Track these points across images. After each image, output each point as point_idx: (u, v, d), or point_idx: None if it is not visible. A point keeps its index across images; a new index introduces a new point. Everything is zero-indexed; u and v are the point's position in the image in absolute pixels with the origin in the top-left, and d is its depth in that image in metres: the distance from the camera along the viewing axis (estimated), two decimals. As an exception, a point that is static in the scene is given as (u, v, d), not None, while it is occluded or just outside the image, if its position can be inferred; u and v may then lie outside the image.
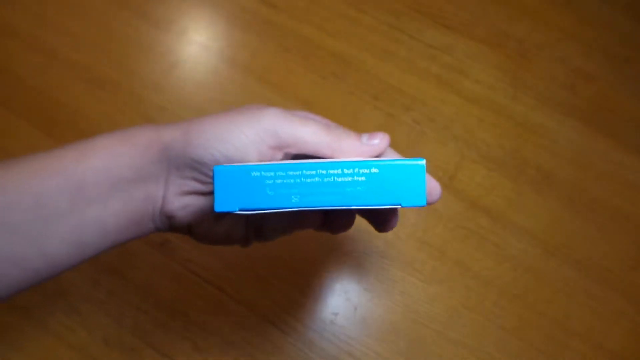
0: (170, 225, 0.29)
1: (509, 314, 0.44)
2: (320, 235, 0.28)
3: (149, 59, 0.52)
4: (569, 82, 0.52)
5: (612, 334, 0.44)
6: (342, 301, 0.44)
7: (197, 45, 0.53)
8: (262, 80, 0.51)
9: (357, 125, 0.50)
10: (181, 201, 0.28)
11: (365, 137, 0.28)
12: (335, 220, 0.30)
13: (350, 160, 0.23)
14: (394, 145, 0.51)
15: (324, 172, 0.22)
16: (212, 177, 0.23)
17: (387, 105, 0.51)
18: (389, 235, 0.46)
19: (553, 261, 0.46)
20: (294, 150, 0.27)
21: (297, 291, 0.44)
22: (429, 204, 0.26)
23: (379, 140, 0.28)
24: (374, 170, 0.22)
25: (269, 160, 0.26)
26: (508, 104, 0.51)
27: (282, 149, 0.26)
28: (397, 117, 0.50)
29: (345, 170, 0.22)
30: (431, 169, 0.48)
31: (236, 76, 0.51)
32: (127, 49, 0.52)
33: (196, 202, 0.28)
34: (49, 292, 0.43)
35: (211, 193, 0.28)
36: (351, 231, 0.45)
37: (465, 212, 0.47)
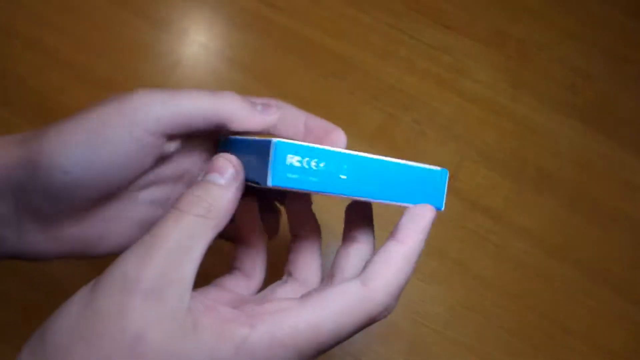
0: (28, 257, 0.23)
1: (509, 314, 0.44)
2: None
3: (149, 59, 0.52)
4: (569, 82, 0.52)
5: (612, 334, 0.44)
6: (342, 301, 0.44)
7: (197, 45, 0.53)
8: (262, 80, 0.51)
9: (357, 125, 0.50)
10: (48, 236, 0.23)
11: (259, 107, 0.24)
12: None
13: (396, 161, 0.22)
14: (394, 144, 0.51)
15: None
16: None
17: (387, 105, 0.51)
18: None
19: (553, 261, 0.46)
20: (178, 128, 0.22)
21: (297, 291, 0.44)
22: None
23: (273, 114, 0.24)
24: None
25: (159, 153, 0.23)
26: (508, 104, 0.51)
27: (161, 134, 0.22)
28: (397, 117, 0.50)
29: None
30: (431, 169, 0.49)
31: (236, 76, 0.51)
32: (128, 49, 0.52)
33: (73, 232, 0.23)
34: (48, 292, 0.43)
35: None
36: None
37: (465, 212, 0.47)
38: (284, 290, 0.23)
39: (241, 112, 0.23)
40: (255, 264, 0.26)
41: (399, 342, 0.43)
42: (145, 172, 0.23)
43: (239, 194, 0.21)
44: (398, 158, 0.23)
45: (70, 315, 0.19)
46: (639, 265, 0.46)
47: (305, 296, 0.20)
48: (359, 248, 0.23)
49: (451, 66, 0.53)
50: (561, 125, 0.51)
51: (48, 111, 0.49)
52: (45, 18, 0.53)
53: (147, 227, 0.23)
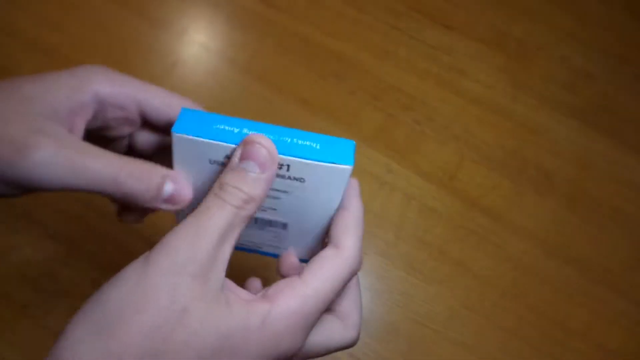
0: None
1: (509, 314, 0.44)
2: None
3: (149, 59, 0.52)
4: (569, 82, 0.52)
5: (612, 334, 0.44)
6: (342, 301, 0.44)
7: (197, 45, 0.53)
8: (262, 80, 0.51)
9: (357, 125, 0.50)
10: None
11: (168, 190, 0.24)
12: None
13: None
14: (394, 144, 0.51)
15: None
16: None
17: (387, 105, 0.51)
18: (389, 235, 0.46)
19: (553, 261, 0.46)
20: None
21: (297, 291, 0.44)
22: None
23: (185, 197, 0.25)
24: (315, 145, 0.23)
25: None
26: (508, 104, 0.51)
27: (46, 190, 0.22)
28: (397, 117, 0.50)
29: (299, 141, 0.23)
30: (431, 169, 0.48)
31: (236, 76, 0.51)
32: (127, 49, 0.52)
33: None
34: (48, 291, 0.43)
35: None
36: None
37: (465, 212, 0.47)
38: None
39: (142, 201, 0.24)
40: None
41: (399, 342, 0.43)
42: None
43: (272, 179, 0.23)
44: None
45: (126, 286, 0.21)
46: (639, 265, 0.46)
47: (304, 271, 0.23)
48: (343, 215, 0.26)
49: (451, 66, 0.53)
50: (561, 125, 0.51)
51: None
52: (45, 18, 0.53)
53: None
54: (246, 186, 0.22)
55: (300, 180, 0.24)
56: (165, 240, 0.21)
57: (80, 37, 0.52)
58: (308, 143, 0.23)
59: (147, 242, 0.45)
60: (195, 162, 0.24)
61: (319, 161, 0.23)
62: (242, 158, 0.22)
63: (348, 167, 0.23)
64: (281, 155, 0.23)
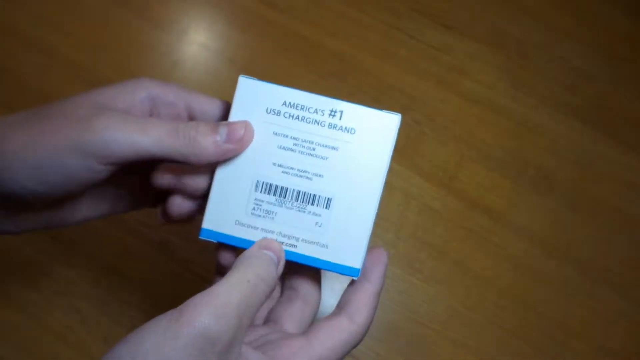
0: None
1: (509, 314, 0.44)
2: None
3: (149, 59, 0.52)
4: (569, 82, 0.52)
5: (612, 334, 0.44)
6: (342, 301, 0.44)
7: (197, 45, 0.53)
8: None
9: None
10: (12, 222, 0.25)
11: (223, 133, 0.24)
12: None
13: None
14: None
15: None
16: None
17: (387, 105, 0.51)
18: (389, 235, 0.46)
19: (553, 261, 0.46)
20: (137, 160, 0.23)
21: (297, 291, 0.44)
22: None
23: (242, 132, 0.24)
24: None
25: (109, 173, 0.24)
26: (508, 104, 0.51)
27: (119, 163, 0.23)
28: (397, 117, 0.50)
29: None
30: (431, 169, 0.48)
31: (236, 76, 0.51)
32: (128, 49, 0.52)
33: (38, 218, 0.26)
34: (48, 291, 0.43)
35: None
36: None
37: (465, 212, 0.47)
38: (291, 313, 0.26)
39: (204, 151, 0.24)
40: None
41: (399, 342, 0.43)
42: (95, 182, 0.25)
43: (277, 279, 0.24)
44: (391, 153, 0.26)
45: (150, 341, 0.20)
46: (639, 265, 0.46)
47: (310, 334, 0.24)
48: (365, 287, 0.26)
49: (451, 66, 0.53)
50: (561, 125, 0.51)
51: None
52: (45, 18, 0.53)
53: (109, 195, 0.28)
54: (269, 274, 0.23)
55: (351, 131, 0.25)
56: (192, 309, 0.21)
57: (80, 37, 0.52)
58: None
59: (148, 243, 0.45)
60: (253, 109, 0.25)
61: (370, 108, 0.25)
62: (264, 247, 0.24)
63: (397, 117, 0.25)
64: (335, 100, 0.25)
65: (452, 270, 0.45)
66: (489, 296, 0.45)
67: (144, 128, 0.23)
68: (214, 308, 0.20)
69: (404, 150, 0.49)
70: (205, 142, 0.23)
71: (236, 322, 0.21)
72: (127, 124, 0.23)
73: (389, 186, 0.47)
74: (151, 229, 0.45)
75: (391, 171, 0.48)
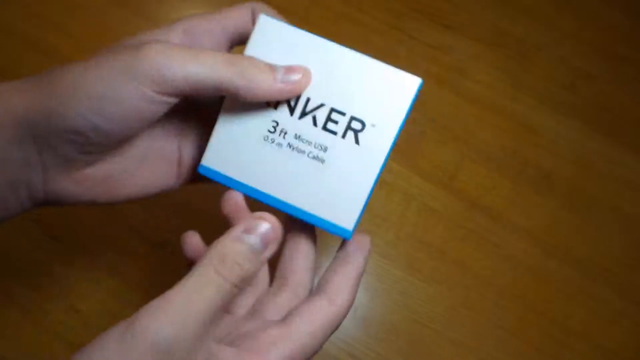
0: (55, 202, 0.24)
1: (509, 314, 0.44)
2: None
3: (149, 59, 0.52)
4: (569, 82, 0.52)
5: (612, 334, 0.44)
6: (342, 301, 0.44)
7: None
8: (262, 80, 0.51)
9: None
10: (72, 179, 0.24)
11: (280, 72, 0.23)
12: None
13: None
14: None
15: None
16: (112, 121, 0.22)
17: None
18: (389, 235, 0.46)
19: (553, 261, 0.46)
20: (189, 91, 0.22)
21: (297, 291, 0.44)
22: None
23: (300, 76, 0.23)
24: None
25: (167, 108, 0.23)
26: (508, 104, 0.51)
27: (173, 93, 0.22)
28: (397, 117, 0.50)
29: None
30: (431, 169, 0.48)
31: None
32: (127, 49, 0.52)
33: (96, 172, 0.24)
34: (48, 291, 0.43)
35: (109, 150, 0.24)
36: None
37: (465, 212, 0.47)
38: (277, 304, 0.25)
39: (257, 85, 0.22)
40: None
41: (399, 342, 0.43)
42: (156, 119, 0.24)
43: (265, 262, 0.23)
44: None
45: (102, 355, 0.19)
46: (639, 265, 0.46)
47: (289, 320, 0.22)
48: (346, 269, 0.25)
49: (451, 66, 0.53)
50: (561, 125, 0.51)
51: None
52: (45, 18, 0.53)
53: (166, 159, 0.27)
54: (248, 263, 0.21)
55: (369, 87, 0.25)
56: (147, 314, 0.19)
57: (80, 37, 0.52)
58: None
59: (148, 243, 0.45)
60: (270, 51, 0.24)
61: (393, 66, 0.24)
62: (247, 231, 0.22)
63: (418, 80, 0.24)
64: (357, 53, 0.25)
65: (452, 270, 0.45)
66: (489, 296, 0.45)
67: (197, 56, 0.22)
68: (171, 315, 0.19)
69: (404, 151, 0.49)
70: (260, 75, 0.22)
71: (198, 329, 0.19)
72: (180, 51, 0.22)
73: (389, 186, 0.47)
74: (151, 229, 0.45)
75: (391, 171, 0.48)
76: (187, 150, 0.28)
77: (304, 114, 0.25)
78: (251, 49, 0.25)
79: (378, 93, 0.24)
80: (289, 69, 0.23)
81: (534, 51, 0.54)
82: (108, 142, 0.23)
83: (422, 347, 0.43)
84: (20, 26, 0.52)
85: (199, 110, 0.28)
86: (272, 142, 0.25)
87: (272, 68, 0.23)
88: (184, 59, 0.21)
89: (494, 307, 0.44)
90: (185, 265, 0.26)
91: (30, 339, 0.42)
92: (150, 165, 0.27)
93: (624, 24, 0.55)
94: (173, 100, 0.23)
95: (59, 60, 0.51)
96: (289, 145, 0.25)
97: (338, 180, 0.25)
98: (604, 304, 0.45)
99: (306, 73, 0.24)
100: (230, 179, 0.26)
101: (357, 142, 0.25)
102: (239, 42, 0.27)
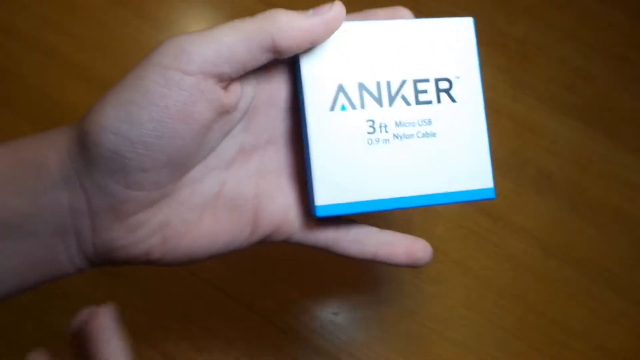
0: (110, 261, 0.21)
1: (509, 314, 0.44)
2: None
3: (149, 59, 0.52)
4: (569, 82, 0.52)
5: (612, 334, 0.44)
6: (342, 301, 0.44)
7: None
8: (262, 80, 0.51)
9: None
10: (124, 226, 0.20)
11: (310, 11, 0.21)
12: None
13: None
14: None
15: None
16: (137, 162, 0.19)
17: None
18: (389, 235, 0.46)
19: (553, 261, 0.46)
20: (234, 66, 0.20)
21: (297, 291, 0.44)
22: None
23: (334, 10, 0.21)
24: None
25: (218, 101, 0.21)
26: (508, 104, 0.51)
27: (218, 75, 0.20)
28: (397, 117, 0.50)
29: None
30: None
31: (236, 76, 0.51)
32: (128, 49, 0.52)
33: (151, 219, 0.21)
34: (49, 293, 0.43)
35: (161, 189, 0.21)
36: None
37: (465, 212, 0.47)
38: None
39: (288, 25, 0.20)
40: None
41: (399, 342, 0.43)
42: (208, 127, 0.21)
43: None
44: None
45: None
46: (639, 265, 0.46)
47: None
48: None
49: (451, 66, 0.53)
50: (561, 125, 0.51)
51: (48, 111, 0.49)
52: (45, 18, 0.53)
53: (236, 208, 0.23)
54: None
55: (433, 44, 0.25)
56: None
57: (80, 37, 0.52)
58: None
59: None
60: (326, 61, 0.23)
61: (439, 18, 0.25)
62: None
63: (469, 18, 0.26)
64: (406, 21, 0.25)
65: (452, 270, 0.45)
66: (489, 296, 0.45)
67: (217, 33, 0.20)
68: None
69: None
70: (287, 16, 0.20)
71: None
72: (200, 34, 0.20)
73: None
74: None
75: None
76: (268, 196, 0.24)
77: (392, 99, 0.24)
78: (306, 64, 0.23)
79: (444, 46, 0.25)
80: (319, 7, 0.21)
81: (534, 51, 0.53)
82: (152, 164, 0.20)
83: (422, 347, 0.43)
84: (20, 26, 0.52)
85: (276, 144, 0.25)
86: (378, 141, 0.23)
87: (299, 12, 0.21)
88: (210, 39, 0.20)
89: (494, 307, 0.44)
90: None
91: (30, 340, 0.42)
92: (216, 214, 0.23)
93: (624, 24, 0.55)
94: (214, 88, 0.20)
95: (59, 60, 0.51)
96: (395, 135, 0.23)
97: (456, 145, 0.24)
98: (604, 304, 0.45)
99: (336, 5, 0.21)
100: (355, 204, 0.23)
101: (453, 100, 0.24)
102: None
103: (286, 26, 0.20)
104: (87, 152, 0.20)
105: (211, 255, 0.23)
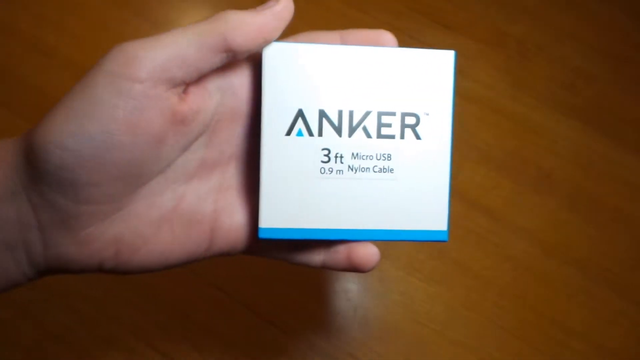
0: (59, 270, 0.21)
1: (509, 314, 0.44)
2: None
3: (149, 59, 0.52)
4: (569, 82, 0.52)
5: (612, 334, 0.44)
6: (342, 301, 0.44)
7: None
8: (262, 80, 0.51)
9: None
10: (75, 240, 0.20)
11: (258, 8, 0.21)
12: None
13: None
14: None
15: None
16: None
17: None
18: (389, 235, 0.46)
19: (553, 261, 0.46)
20: (180, 72, 0.20)
21: (297, 291, 0.44)
22: None
23: (281, 2, 0.21)
24: None
25: (168, 109, 0.20)
26: (508, 104, 0.51)
27: (169, 79, 0.19)
28: (397, 117, 0.50)
29: None
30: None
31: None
32: (127, 49, 0.52)
33: (104, 233, 0.20)
34: (48, 292, 0.43)
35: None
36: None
37: (465, 212, 0.47)
38: None
39: (239, 22, 0.20)
40: None
41: (399, 342, 0.43)
42: (160, 138, 0.20)
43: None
44: None
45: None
46: (639, 265, 0.46)
47: None
48: None
49: (451, 66, 0.53)
50: (561, 125, 0.51)
51: (48, 111, 0.49)
52: (45, 18, 0.53)
53: (193, 224, 0.22)
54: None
55: (408, 73, 0.23)
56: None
57: (80, 38, 0.52)
58: None
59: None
60: (288, 78, 0.23)
61: (419, 49, 0.24)
62: None
63: (451, 52, 0.23)
64: (382, 49, 0.23)
65: (452, 270, 0.45)
66: (489, 296, 0.45)
67: (163, 38, 0.20)
68: None
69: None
70: (237, 15, 0.20)
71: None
72: (150, 39, 0.20)
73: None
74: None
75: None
76: (226, 212, 0.24)
77: (353, 129, 0.23)
78: (268, 85, 0.22)
79: (419, 79, 0.23)
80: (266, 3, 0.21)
81: (534, 51, 0.53)
82: (102, 178, 0.19)
83: (422, 347, 0.43)
84: (20, 26, 0.52)
85: (238, 160, 0.24)
86: (331, 171, 0.23)
87: (249, 10, 0.21)
88: (164, 43, 0.20)
89: (494, 307, 0.44)
90: None
91: (30, 339, 0.42)
92: (173, 229, 0.22)
93: (624, 24, 0.55)
94: (163, 93, 0.19)
95: (59, 60, 0.51)
96: (350, 167, 0.23)
97: (414, 184, 0.23)
98: (604, 304, 0.45)
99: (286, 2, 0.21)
100: (299, 231, 0.23)
101: (418, 137, 0.23)
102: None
103: (237, 23, 0.20)
104: (33, 168, 0.19)
105: (166, 267, 0.23)
